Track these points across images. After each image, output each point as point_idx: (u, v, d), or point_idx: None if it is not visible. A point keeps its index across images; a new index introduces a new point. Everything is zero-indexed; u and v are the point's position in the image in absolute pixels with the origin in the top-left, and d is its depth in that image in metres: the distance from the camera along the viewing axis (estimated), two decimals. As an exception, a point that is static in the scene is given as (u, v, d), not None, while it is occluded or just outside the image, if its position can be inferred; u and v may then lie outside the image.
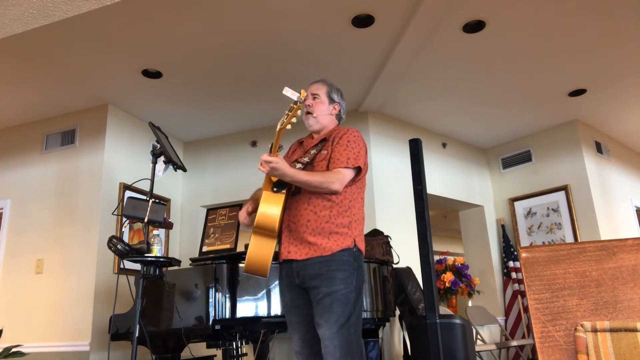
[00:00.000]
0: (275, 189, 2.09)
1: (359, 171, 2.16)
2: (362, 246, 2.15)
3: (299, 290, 2.12)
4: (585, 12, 3.32)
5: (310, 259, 2.06)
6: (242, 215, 2.26)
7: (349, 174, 2.12)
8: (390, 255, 3.95)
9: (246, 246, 3.22)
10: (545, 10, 3.27)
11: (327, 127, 2.31)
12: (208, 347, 3.40)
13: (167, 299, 3.09)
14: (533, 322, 1.62)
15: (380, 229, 4.15)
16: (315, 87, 2.34)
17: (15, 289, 4.09)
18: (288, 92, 1.99)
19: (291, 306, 2.16)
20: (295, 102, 1.97)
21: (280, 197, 2.08)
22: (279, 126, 2.05)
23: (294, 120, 2.01)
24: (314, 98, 2.31)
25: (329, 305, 1.99)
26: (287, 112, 2.00)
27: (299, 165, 2.15)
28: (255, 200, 2.28)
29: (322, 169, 2.15)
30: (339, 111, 2.35)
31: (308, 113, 2.29)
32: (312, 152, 2.22)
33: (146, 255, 2.69)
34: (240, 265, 3.11)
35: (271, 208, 2.04)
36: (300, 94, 1.98)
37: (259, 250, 2.08)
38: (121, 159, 4.33)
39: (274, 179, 2.10)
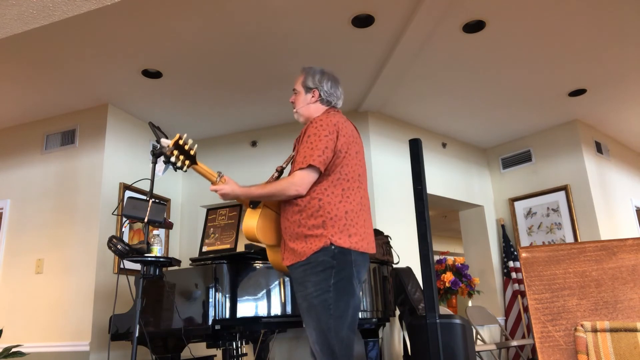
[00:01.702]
0: (251, 206, 2.17)
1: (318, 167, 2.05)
2: (346, 243, 2.01)
3: None
4: (585, 12, 3.32)
5: (293, 265, 2.07)
6: None
7: (305, 174, 2.04)
8: (390, 255, 3.95)
9: (246, 246, 3.23)
10: (545, 10, 3.27)
11: (311, 117, 2.27)
12: (208, 347, 3.40)
13: (167, 299, 3.08)
14: (533, 322, 1.62)
15: (380, 229, 4.15)
16: (295, 82, 2.33)
17: (15, 289, 4.09)
18: (164, 142, 2.11)
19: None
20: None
21: (257, 212, 2.15)
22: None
23: (179, 163, 2.11)
24: (295, 93, 2.31)
25: (305, 310, 2.00)
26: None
27: (276, 174, 2.21)
28: None
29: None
30: (320, 95, 2.26)
31: (293, 109, 2.32)
32: (292, 154, 2.24)
33: (146, 255, 2.69)
34: (242, 265, 3.11)
35: (249, 221, 2.13)
36: (170, 140, 2.08)
37: (272, 256, 2.24)
38: (121, 159, 4.33)
39: None
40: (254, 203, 2.17)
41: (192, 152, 2.09)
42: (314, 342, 1.98)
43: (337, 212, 2.04)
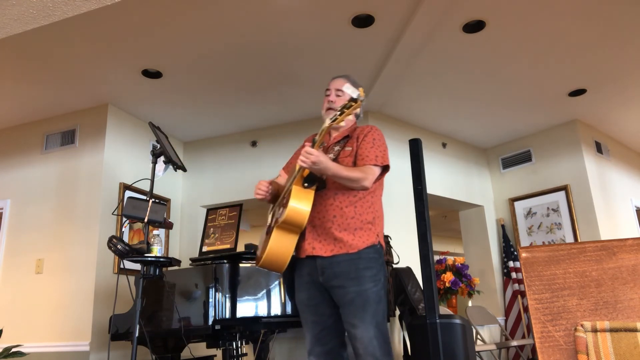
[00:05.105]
0: (306, 185, 2.03)
1: (385, 169, 2.19)
2: (383, 242, 2.19)
3: (320, 289, 2.10)
4: (585, 12, 3.32)
5: (336, 256, 2.04)
6: (263, 187, 2.16)
7: (377, 171, 2.14)
8: (390, 255, 3.95)
9: (246, 246, 3.23)
10: (545, 10, 3.27)
11: (347, 125, 2.29)
12: (208, 347, 3.40)
13: (167, 299, 3.08)
14: (533, 322, 1.62)
15: (380, 229, 4.14)
16: (339, 83, 2.28)
17: (16, 289, 4.09)
18: (349, 89, 2.06)
19: (307, 305, 2.14)
20: (355, 100, 1.87)
21: (311, 193, 2.01)
22: (328, 122, 1.95)
23: (350, 117, 2.08)
24: (337, 95, 2.26)
25: (362, 306, 1.98)
26: (342, 109, 1.90)
27: None
28: (276, 184, 2.28)
29: (347, 165, 2.14)
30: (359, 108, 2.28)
31: (330, 109, 2.22)
32: (336, 149, 2.20)
33: (146, 255, 2.69)
34: (242, 265, 3.11)
35: (302, 204, 1.97)
36: (359, 91, 1.95)
37: (279, 245, 2.01)
38: (121, 159, 4.33)
39: (305, 174, 2.03)
40: (310, 182, 2.03)
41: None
42: (371, 337, 1.96)
43: (380, 213, 2.21)
